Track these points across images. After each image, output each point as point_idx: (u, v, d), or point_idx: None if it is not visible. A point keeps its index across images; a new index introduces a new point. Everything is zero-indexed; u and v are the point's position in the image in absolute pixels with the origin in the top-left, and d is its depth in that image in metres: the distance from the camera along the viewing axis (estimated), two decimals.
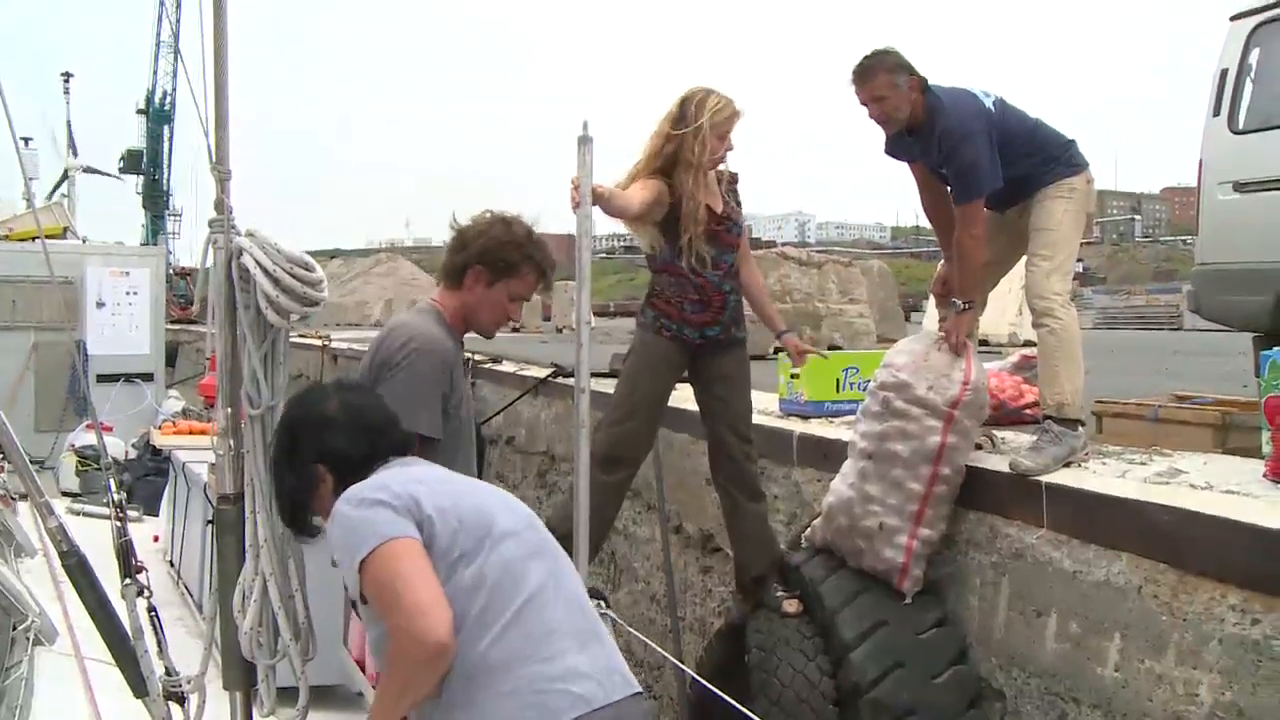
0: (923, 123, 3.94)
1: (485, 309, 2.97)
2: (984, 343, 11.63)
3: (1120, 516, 3.34)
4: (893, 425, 3.90)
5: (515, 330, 21.56)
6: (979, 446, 4.27)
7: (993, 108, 3.96)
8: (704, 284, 4.02)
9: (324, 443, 2.22)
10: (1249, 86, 5.69)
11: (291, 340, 2.57)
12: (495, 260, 2.90)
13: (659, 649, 4.73)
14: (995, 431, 4.40)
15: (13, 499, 4.89)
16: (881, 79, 3.89)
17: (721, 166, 4.08)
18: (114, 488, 2.71)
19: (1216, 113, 5.75)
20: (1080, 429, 3.91)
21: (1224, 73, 5.74)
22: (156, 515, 6.31)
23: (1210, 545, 3.02)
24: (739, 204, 4.19)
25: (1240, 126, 5.65)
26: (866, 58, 3.93)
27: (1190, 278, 6.40)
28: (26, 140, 13.85)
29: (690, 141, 3.89)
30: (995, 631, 3.72)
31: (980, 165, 3.86)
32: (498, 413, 9.09)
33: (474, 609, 1.95)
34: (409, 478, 2.13)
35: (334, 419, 2.25)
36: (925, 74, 3.96)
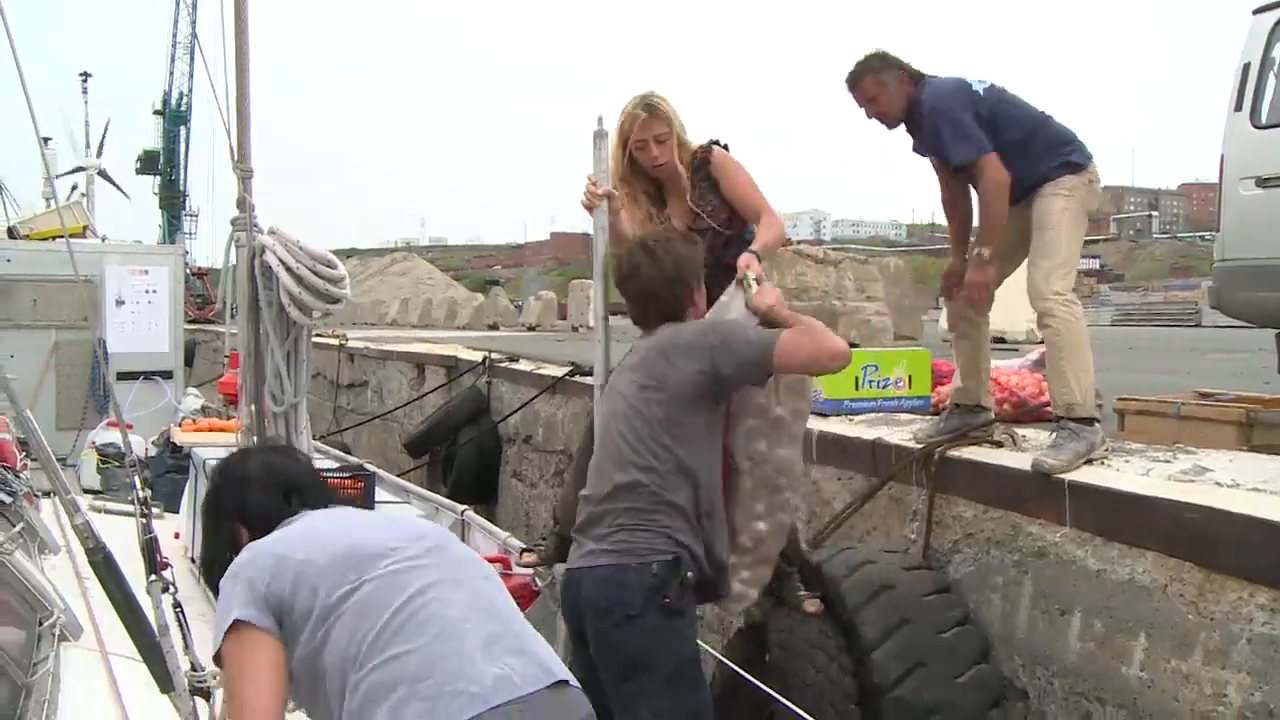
0: (915, 113, 4.08)
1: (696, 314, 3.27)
2: (1001, 340, 11.59)
3: (1145, 514, 3.32)
4: None
5: (531, 330, 21.60)
6: (999, 444, 4.25)
7: (981, 91, 4.02)
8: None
9: (243, 501, 2.26)
10: (1272, 81, 5.63)
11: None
12: (699, 271, 3.27)
13: None
14: (1016, 429, 4.38)
15: (36, 496, 4.91)
16: (868, 80, 4.09)
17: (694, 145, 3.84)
18: (138, 485, 2.71)
19: (1238, 107, 5.70)
20: (1096, 424, 3.88)
21: (1246, 67, 5.68)
22: (177, 512, 6.33)
23: (1238, 544, 3.00)
24: (708, 180, 3.81)
25: (1263, 121, 5.60)
26: (855, 64, 4.12)
27: (1211, 274, 6.35)
28: (46, 140, 13.92)
29: (611, 160, 3.74)
30: (1018, 630, 3.70)
31: (966, 123, 3.93)
32: (514, 411, 9.10)
33: (357, 643, 1.92)
34: (283, 537, 2.14)
35: (251, 477, 2.30)
36: (929, 68, 4.09)
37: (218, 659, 1.97)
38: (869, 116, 4.15)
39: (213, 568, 2.26)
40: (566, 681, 1.99)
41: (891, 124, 4.13)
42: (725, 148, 3.86)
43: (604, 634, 2.89)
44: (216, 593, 2.17)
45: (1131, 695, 3.22)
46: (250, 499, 2.25)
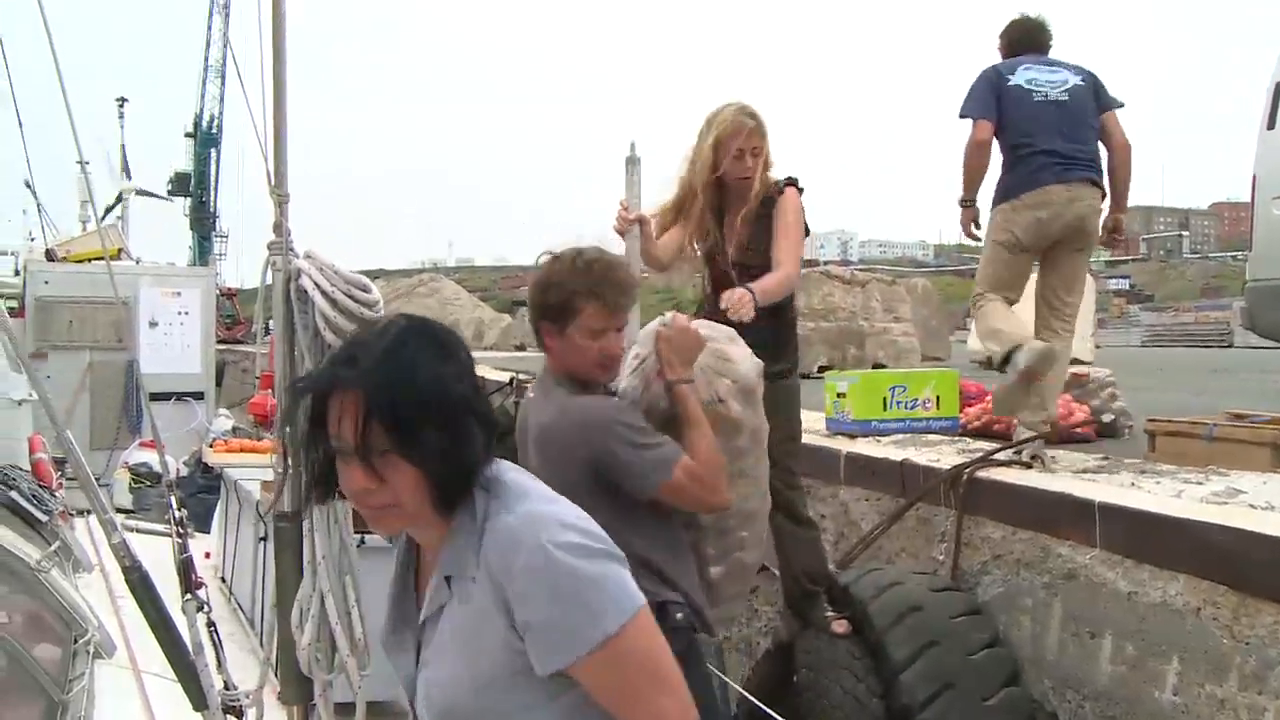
0: None
1: (574, 358, 2.68)
2: None
3: (1177, 537, 3.29)
4: None
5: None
6: (1029, 465, 4.24)
7: (1024, 82, 4.46)
8: (728, 320, 3.81)
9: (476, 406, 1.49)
10: None
11: None
12: (547, 310, 2.67)
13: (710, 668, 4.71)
14: (1045, 450, 4.36)
15: (70, 514, 4.99)
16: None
17: (775, 176, 3.83)
18: (174, 505, 2.76)
19: (1271, 125, 5.69)
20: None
21: (1278, 85, 5.66)
22: (207, 532, 6.40)
23: (1272, 567, 2.96)
24: (769, 217, 3.80)
25: None
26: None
27: (1243, 294, 6.30)
28: (83, 164, 14.16)
29: (696, 162, 3.73)
30: (1048, 653, 3.67)
31: (976, 87, 4.54)
32: None
33: None
34: (577, 509, 1.53)
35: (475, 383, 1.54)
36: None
37: (584, 661, 1.40)
38: None
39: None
40: None
41: None
42: (801, 190, 3.82)
43: None
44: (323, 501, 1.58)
45: None
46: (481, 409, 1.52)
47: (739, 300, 3.34)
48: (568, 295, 2.62)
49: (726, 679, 4.65)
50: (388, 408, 1.39)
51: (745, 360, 2.84)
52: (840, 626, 3.95)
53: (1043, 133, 4.38)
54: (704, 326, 2.94)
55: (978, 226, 4.65)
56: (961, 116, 4.53)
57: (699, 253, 3.91)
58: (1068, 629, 3.61)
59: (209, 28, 46.41)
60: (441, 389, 1.43)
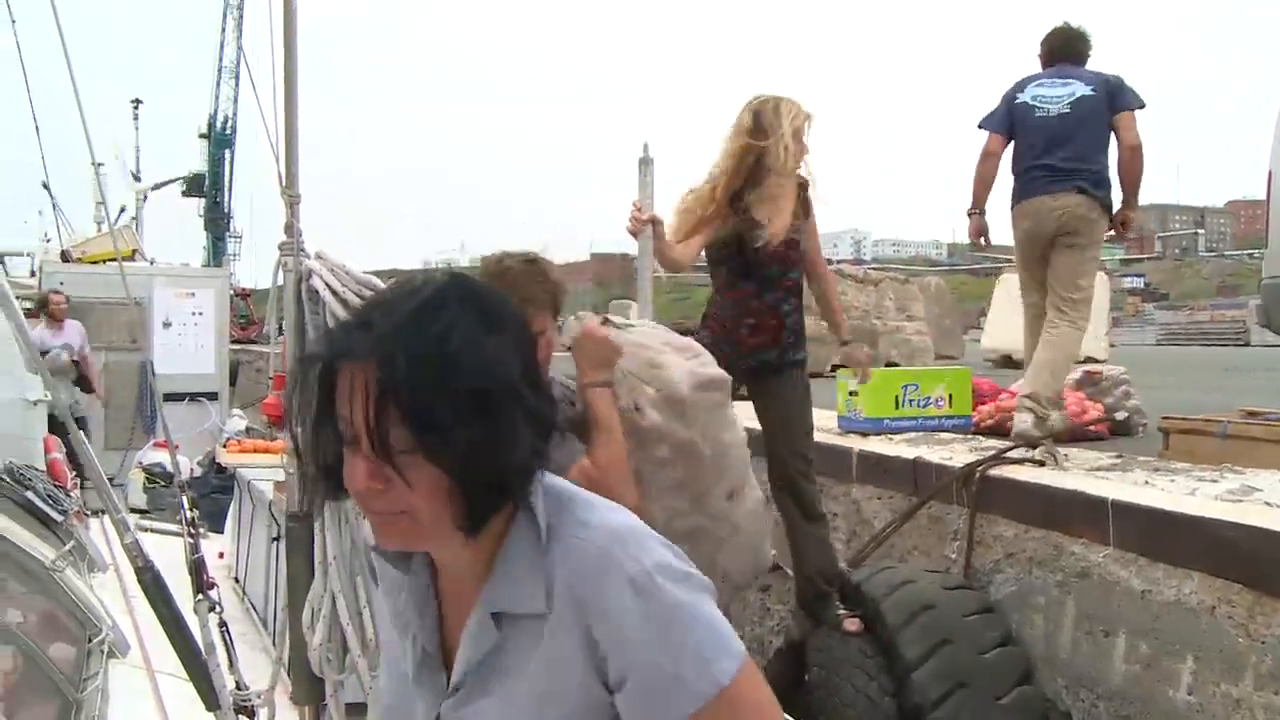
0: None
1: None
2: None
3: (1191, 535, 3.28)
4: None
5: (569, 350, 21.62)
6: (1042, 463, 4.22)
7: (1030, 99, 4.77)
8: (762, 307, 3.98)
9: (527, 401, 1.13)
10: None
11: None
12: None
13: None
14: (1058, 448, 4.34)
15: (85, 514, 5.01)
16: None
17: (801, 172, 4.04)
18: (186, 506, 2.77)
19: None
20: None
21: None
22: (220, 532, 6.42)
23: None
24: (808, 211, 4.12)
25: None
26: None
27: (1259, 291, 6.25)
28: (97, 166, 14.25)
29: (776, 150, 3.87)
30: (1061, 651, 3.66)
31: (999, 104, 4.91)
32: None
33: None
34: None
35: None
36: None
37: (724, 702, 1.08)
38: None
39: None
40: None
41: None
42: None
43: None
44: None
45: (1179, 719, 3.17)
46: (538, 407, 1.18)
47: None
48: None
49: None
50: (406, 387, 1.05)
51: (677, 370, 2.70)
52: (852, 625, 3.94)
53: (1038, 148, 4.72)
54: (643, 332, 2.83)
55: (987, 238, 5.03)
56: (979, 128, 4.92)
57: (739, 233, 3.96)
58: (1081, 627, 3.59)
59: (223, 29, 46.70)
60: (483, 367, 1.08)
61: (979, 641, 3.67)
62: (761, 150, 3.88)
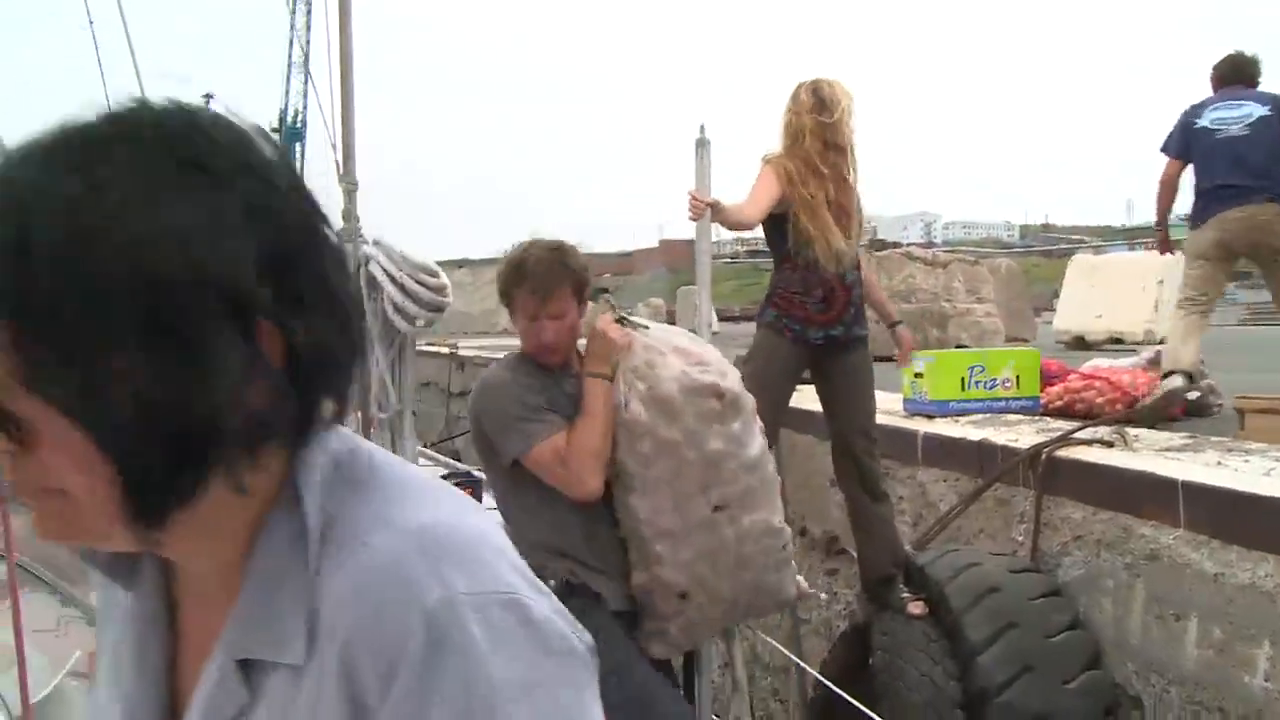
0: None
1: (522, 342, 2.86)
2: (1119, 340, 11.23)
3: (1266, 516, 3.20)
4: None
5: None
6: (1110, 444, 4.15)
7: (1209, 123, 5.18)
8: (830, 279, 3.99)
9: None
10: None
11: (419, 348, 2.66)
12: (500, 297, 2.83)
13: (784, 650, 4.71)
14: (1127, 429, 4.26)
15: None
16: None
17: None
18: None
19: None
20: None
21: None
22: None
23: None
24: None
25: None
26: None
27: None
28: None
29: (841, 127, 4.05)
30: (1131, 636, 3.59)
31: (1175, 129, 5.37)
32: None
33: None
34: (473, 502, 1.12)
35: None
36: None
37: None
38: None
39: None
40: None
41: None
42: None
43: None
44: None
45: (1256, 706, 3.09)
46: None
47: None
48: (504, 284, 2.77)
49: (803, 664, 4.67)
50: (11, 285, 0.62)
51: (670, 371, 2.71)
52: (917, 608, 3.92)
53: (1218, 168, 5.12)
54: (659, 334, 2.85)
55: (1172, 249, 5.77)
56: (1161, 151, 5.43)
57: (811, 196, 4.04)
58: (1151, 611, 3.52)
59: (292, 24, 47.56)
60: (155, 250, 0.63)
61: (1046, 625, 3.62)
62: (830, 128, 4.03)
